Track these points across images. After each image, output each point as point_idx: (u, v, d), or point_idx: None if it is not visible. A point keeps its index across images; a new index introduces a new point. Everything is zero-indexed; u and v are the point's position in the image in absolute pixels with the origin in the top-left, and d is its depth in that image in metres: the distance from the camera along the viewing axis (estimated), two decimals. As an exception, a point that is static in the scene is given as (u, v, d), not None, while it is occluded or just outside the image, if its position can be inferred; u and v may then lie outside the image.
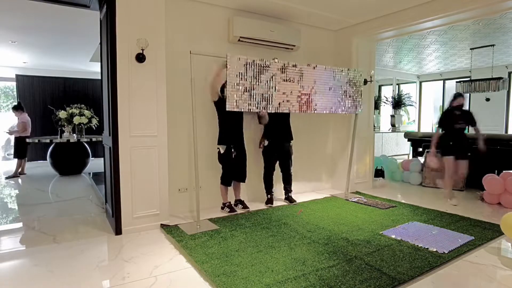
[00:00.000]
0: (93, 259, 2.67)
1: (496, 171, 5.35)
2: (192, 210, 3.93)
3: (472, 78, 8.00)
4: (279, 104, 3.67)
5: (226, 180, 3.92)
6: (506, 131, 8.89)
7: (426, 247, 2.81)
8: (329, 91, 4.13)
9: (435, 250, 2.76)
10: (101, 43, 3.84)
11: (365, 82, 5.02)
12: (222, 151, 3.82)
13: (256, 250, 2.76)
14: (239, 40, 4.12)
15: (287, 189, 4.43)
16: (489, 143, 5.27)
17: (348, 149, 4.98)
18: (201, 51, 3.91)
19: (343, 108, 4.32)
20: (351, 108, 4.40)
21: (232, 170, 3.89)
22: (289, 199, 4.39)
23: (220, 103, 3.72)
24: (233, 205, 4.01)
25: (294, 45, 4.53)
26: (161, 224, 3.38)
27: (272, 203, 4.24)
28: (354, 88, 4.39)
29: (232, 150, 3.83)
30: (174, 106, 3.77)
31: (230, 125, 3.83)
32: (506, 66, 8.73)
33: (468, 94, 8.58)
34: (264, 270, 2.40)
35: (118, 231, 3.19)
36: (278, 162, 4.35)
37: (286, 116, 4.29)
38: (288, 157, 4.34)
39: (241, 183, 4.05)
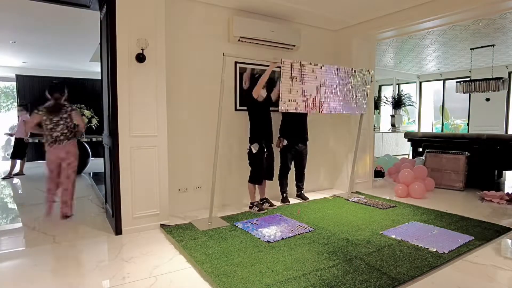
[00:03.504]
0: (93, 259, 2.67)
1: (496, 171, 5.36)
2: (192, 210, 3.93)
3: (472, 78, 7.99)
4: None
5: (257, 179, 3.92)
6: (506, 131, 8.88)
7: (426, 247, 2.81)
8: (337, 91, 4.10)
9: (435, 250, 2.76)
10: (101, 43, 3.84)
11: (366, 82, 5.02)
12: (254, 151, 3.84)
13: (256, 250, 2.76)
14: (239, 40, 4.12)
15: (300, 186, 4.50)
16: (489, 143, 5.28)
17: (349, 149, 4.99)
18: (202, 51, 3.94)
19: (350, 108, 4.28)
20: (357, 108, 4.37)
21: (264, 169, 3.95)
22: (301, 196, 4.46)
23: (254, 103, 3.86)
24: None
25: (294, 45, 4.53)
26: (161, 224, 3.38)
27: (288, 202, 4.31)
28: (361, 88, 4.38)
29: (264, 149, 3.90)
30: (174, 106, 3.77)
31: (262, 125, 3.90)
32: (506, 66, 8.73)
33: (468, 94, 8.58)
34: (264, 270, 2.40)
35: (118, 231, 3.19)
36: (293, 161, 4.41)
37: (304, 116, 4.34)
38: (304, 157, 4.40)
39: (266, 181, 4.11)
